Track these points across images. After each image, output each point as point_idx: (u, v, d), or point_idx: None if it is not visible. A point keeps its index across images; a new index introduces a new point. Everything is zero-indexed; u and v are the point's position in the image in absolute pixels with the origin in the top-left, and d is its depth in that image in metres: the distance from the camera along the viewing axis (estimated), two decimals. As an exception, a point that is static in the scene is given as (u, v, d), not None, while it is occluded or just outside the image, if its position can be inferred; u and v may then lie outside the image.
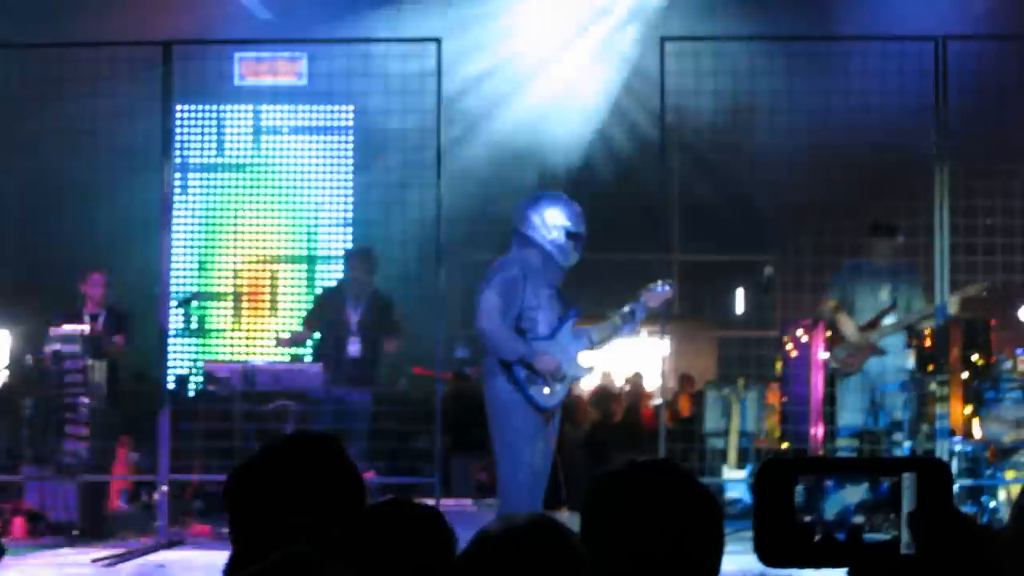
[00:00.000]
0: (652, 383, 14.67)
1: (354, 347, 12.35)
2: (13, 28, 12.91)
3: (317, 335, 12.92)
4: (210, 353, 15.06)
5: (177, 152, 13.01)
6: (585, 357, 9.24)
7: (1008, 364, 11.52)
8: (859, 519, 11.45)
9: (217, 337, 15.52)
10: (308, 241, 15.67)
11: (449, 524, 3.50)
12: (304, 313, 13.61)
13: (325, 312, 12.79)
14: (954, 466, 11.09)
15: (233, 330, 14.83)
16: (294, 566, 2.25)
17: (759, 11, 15.09)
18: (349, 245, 16.75)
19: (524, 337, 8.76)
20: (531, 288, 8.77)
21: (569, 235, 8.84)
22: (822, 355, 13.14)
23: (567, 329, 8.89)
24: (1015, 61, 11.98)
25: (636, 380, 15.16)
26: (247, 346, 13.42)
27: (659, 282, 9.54)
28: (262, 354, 12.90)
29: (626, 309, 9.20)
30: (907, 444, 11.62)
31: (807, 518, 10.06)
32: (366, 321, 12.62)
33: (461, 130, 14.52)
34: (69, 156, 13.48)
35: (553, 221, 8.84)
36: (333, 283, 13.47)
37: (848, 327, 12.31)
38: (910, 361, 12.33)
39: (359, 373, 12.36)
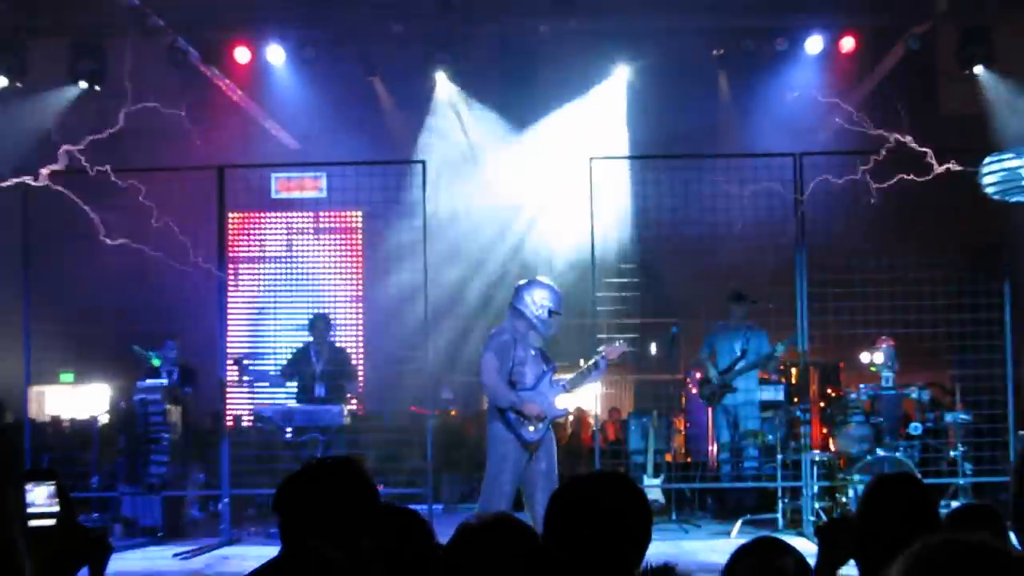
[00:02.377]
0: (590, 413, 14.65)
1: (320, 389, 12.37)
2: (120, 158, 12.89)
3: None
4: (258, 398, 14.96)
5: (229, 247, 12.94)
6: (561, 400, 9.31)
7: (853, 396, 11.60)
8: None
9: (262, 386, 15.34)
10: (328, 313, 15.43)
11: (428, 520, 3.63)
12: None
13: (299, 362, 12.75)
14: (814, 473, 11.11)
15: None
16: (304, 558, 2.33)
17: (678, 141, 14.83)
18: (361, 319, 16.80)
19: (515, 387, 8.75)
20: (520, 349, 8.81)
21: (551, 313, 8.89)
22: (694, 391, 13.09)
23: (547, 379, 8.89)
24: (851, 170, 12.08)
25: (579, 412, 15.08)
26: (285, 393, 13.29)
27: (617, 340, 9.54)
28: (295, 399, 12.80)
29: (592, 361, 9.19)
30: (779, 456, 11.42)
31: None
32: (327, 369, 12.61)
33: (444, 244, 14.28)
34: (154, 251, 13.48)
35: (540, 301, 8.88)
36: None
37: (711, 372, 12.49)
38: (781, 395, 12.45)
39: (326, 398, 12.29)
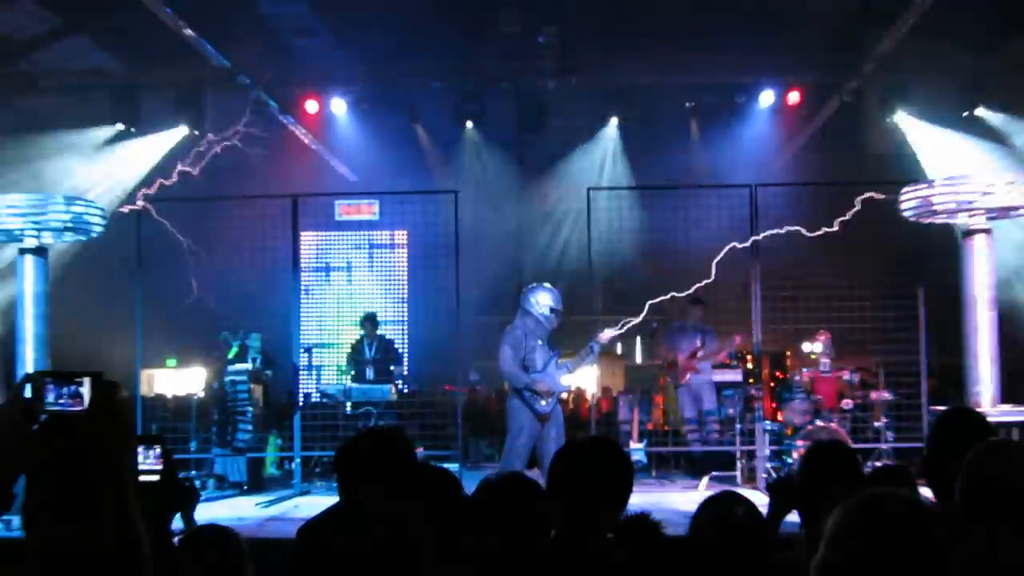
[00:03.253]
0: (588, 391, 14.63)
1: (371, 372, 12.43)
2: (214, 188, 12.90)
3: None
4: (322, 379, 14.98)
5: (302, 259, 12.96)
6: (565, 379, 9.31)
7: (797, 378, 11.55)
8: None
9: (326, 369, 15.40)
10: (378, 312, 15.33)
11: (458, 477, 3.60)
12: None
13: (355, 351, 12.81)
14: (766, 439, 11.14)
15: (337, 367, 14.61)
16: (356, 510, 2.34)
17: (659, 175, 14.79)
18: (406, 317, 16.84)
19: (527, 371, 8.86)
20: (530, 340, 8.90)
21: (552, 311, 8.99)
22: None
23: (553, 363, 8.93)
24: (797, 197, 12.01)
25: (578, 390, 15.05)
26: (344, 374, 13.29)
27: (606, 331, 9.50)
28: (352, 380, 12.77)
29: (588, 347, 9.20)
30: (737, 426, 11.45)
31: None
32: (377, 356, 12.69)
33: (472, 257, 14.21)
34: (241, 262, 13.52)
35: (544, 302, 8.98)
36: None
37: (679, 359, 12.31)
38: (739, 376, 12.20)
39: (377, 379, 12.40)
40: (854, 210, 10.36)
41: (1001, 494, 2.72)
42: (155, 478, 2.76)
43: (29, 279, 10.16)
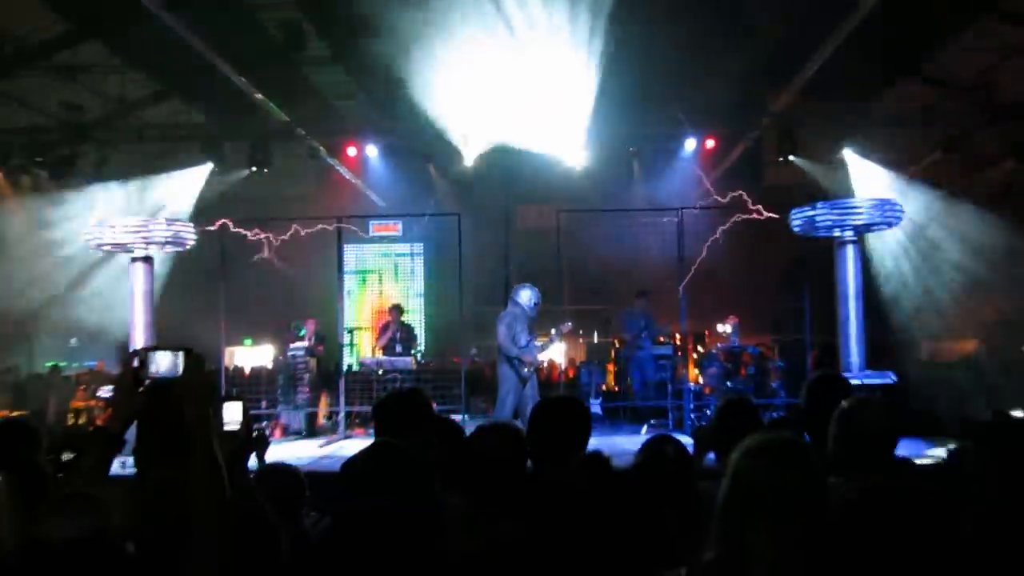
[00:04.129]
0: (558, 361, 14.64)
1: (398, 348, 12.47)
2: (277, 211, 12.83)
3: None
4: (360, 353, 14.98)
5: (345, 265, 12.95)
6: (541, 355, 9.23)
7: (713, 351, 11.63)
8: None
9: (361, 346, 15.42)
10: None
11: (461, 424, 3.60)
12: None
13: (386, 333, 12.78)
14: (690, 396, 11.05)
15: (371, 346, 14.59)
16: (386, 448, 2.27)
17: (611, 203, 14.94)
18: (422, 307, 16.65)
19: (516, 345, 8.84)
20: (518, 325, 8.86)
21: (534, 303, 8.97)
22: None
23: (532, 342, 8.90)
24: (716, 219, 12.00)
25: (551, 361, 15.05)
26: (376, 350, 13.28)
27: (567, 322, 9.54)
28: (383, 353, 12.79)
29: (553, 332, 9.23)
30: (669, 387, 11.38)
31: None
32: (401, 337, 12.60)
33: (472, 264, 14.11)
34: (300, 267, 13.54)
35: (528, 297, 8.98)
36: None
37: (626, 335, 12.35)
38: (670, 351, 12.03)
39: (401, 353, 12.37)
40: (734, 218, 10.64)
41: (863, 436, 2.75)
42: (236, 428, 2.75)
43: (139, 280, 10.23)
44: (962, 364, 12.09)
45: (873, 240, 11.76)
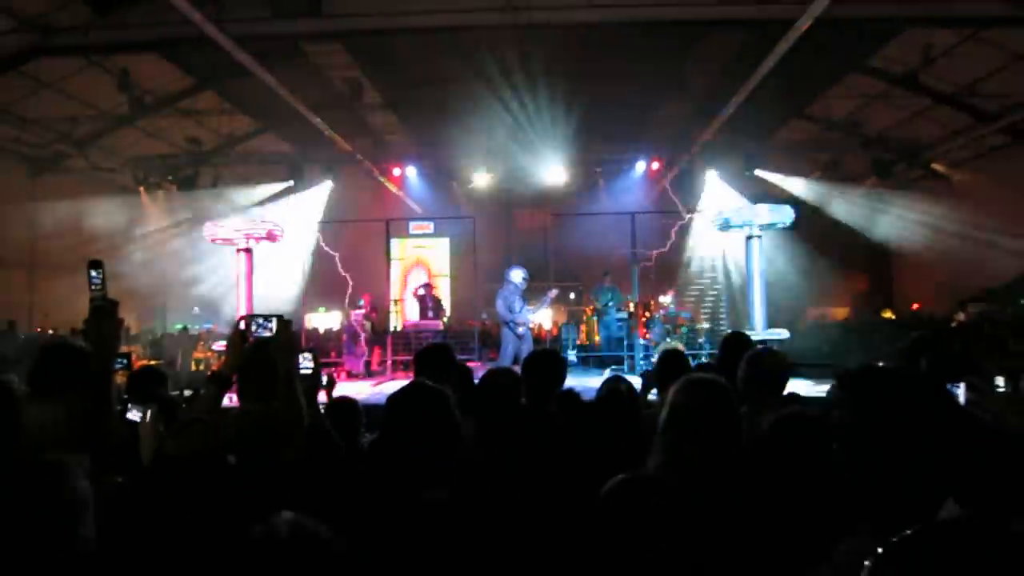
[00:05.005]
0: (544, 324, 14.56)
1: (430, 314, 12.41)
2: (342, 214, 12.68)
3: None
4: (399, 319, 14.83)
5: (392, 254, 12.80)
6: (532, 318, 9.15)
7: (657, 316, 11.55)
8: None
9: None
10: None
11: (471, 369, 3.46)
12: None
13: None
14: (640, 349, 10.59)
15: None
16: (419, 385, 2.14)
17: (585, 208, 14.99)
18: (448, 284, 15.93)
19: (511, 312, 8.30)
20: (512, 297, 8.30)
21: (524, 279, 8.39)
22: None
23: (524, 308, 8.32)
24: (665, 223, 11.95)
25: (539, 324, 14.97)
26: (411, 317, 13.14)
27: (553, 290, 9.47)
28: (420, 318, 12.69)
29: (542, 299, 8.54)
30: (625, 341, 11.08)
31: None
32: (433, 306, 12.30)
33: (485, 253, 13.87)
34: (361, 255, 13.42)
35: (518, 275, 8.40)
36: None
37: (597, 304, 11.97)
38: (626, 316, 12.07)
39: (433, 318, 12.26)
40: (678, 226, 10.32)
41: (764, 376, 2.72)
42: (310, 371, 2.74)
43: (242, 265, 9.95)
44: (837, 325, 12.13)
45: (772, 235, 11.66)
